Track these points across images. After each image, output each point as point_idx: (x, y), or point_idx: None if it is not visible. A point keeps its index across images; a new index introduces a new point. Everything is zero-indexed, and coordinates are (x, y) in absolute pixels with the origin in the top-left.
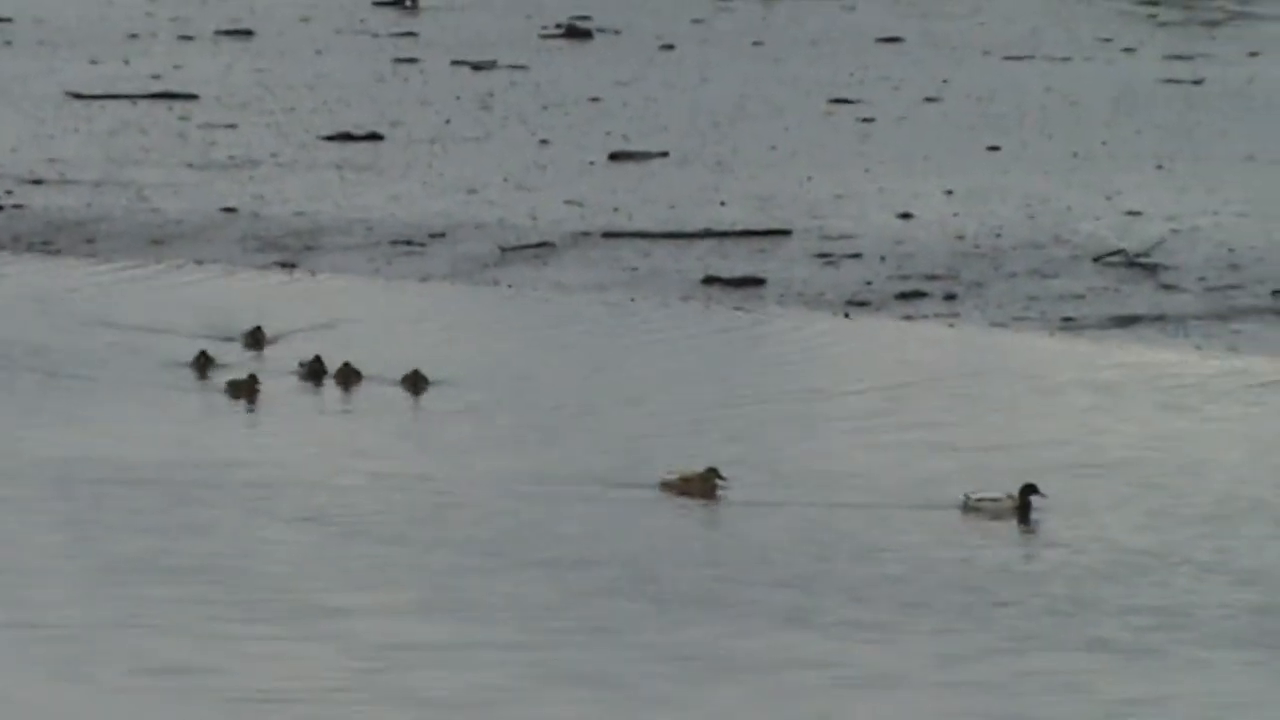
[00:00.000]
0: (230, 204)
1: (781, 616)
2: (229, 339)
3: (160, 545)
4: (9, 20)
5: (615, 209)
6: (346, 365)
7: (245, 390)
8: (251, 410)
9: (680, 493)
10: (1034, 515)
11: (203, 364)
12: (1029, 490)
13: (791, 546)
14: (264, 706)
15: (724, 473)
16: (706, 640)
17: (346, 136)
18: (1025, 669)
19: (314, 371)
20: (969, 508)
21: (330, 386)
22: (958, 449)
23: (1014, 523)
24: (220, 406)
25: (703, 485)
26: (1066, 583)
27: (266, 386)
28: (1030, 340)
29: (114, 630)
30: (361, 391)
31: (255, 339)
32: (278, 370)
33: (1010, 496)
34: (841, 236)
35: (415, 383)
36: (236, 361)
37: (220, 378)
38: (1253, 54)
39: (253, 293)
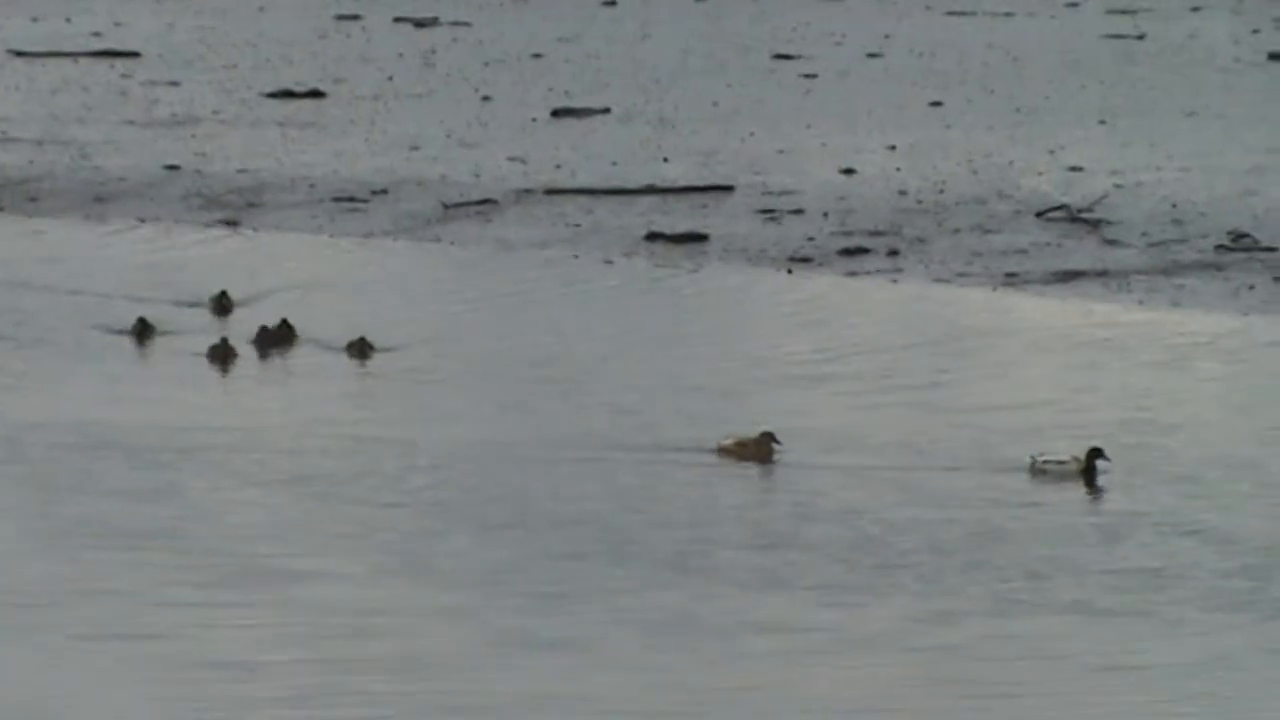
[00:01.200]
0: (173, 162)
1: (755, 579)
2: (190, 303)
3: (115, 508)
4: None
5: (558, 166)
6: (286, 325)
7: (222, 355)
8: (219, 374)
9: (738, 458)
10: (1099, 479)
11: (141, 331)
12: (1095, 454)
13: (765, 508)
14: (219, 672)
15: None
16: (676, 603)
17: (288, 94)
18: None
19: (278, 337)
20: (1036, 470)
21: (280, 352)
22: (933, 409)
23: (1080, 485)
24: (168, 370)
25: (759, 449)
26: (1044, 544)
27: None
28: (974, 295)
29: (67, 595)
30: (308, 355)
31: (222, 305)
32: (239, 335)
33: (1076, 459)
34: (784, 192)
35: (362, 349)
36: (192, 327)
37: (159, 343)
38: (1195, 9)
39: (199, 253)
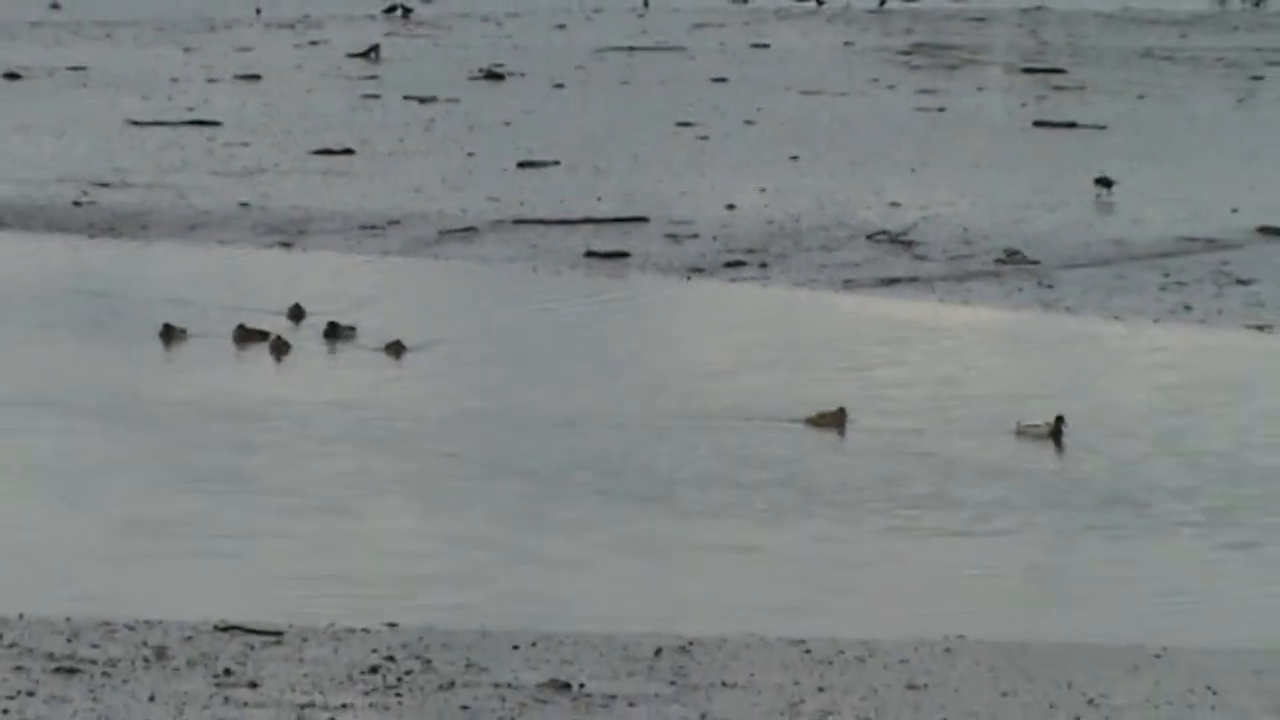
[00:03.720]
0: (245, 200)
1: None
2: (273, 312)
3: (223, 460)
4: (85, 68)
5: (521, 203)
6: (343, 326)
7: (280, 349)
8: (280, 363)
9: (820, 426)
10: (1064, 440)
11: (168, 334)
12: (1060, 420)
13: (715, 457)
14: (290, 583)
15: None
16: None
17: (328, 151)
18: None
19: (341, 333)
20: (1020, 432)
21: (345, 345)
22: (795, 370)
23: (1050, 443)
24: (262, 361)
25: (837, 419)
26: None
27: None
28: (821, 296)
29: (189, 520)
30: (355, 348)
31: (296, 313)
32: (305, 336)
33: (1047, 424)
34: (684, 222)
35: (397, 349)
36: (272, 328)
37: (187, 343)
38: (980, 89)
39: (264, 266)
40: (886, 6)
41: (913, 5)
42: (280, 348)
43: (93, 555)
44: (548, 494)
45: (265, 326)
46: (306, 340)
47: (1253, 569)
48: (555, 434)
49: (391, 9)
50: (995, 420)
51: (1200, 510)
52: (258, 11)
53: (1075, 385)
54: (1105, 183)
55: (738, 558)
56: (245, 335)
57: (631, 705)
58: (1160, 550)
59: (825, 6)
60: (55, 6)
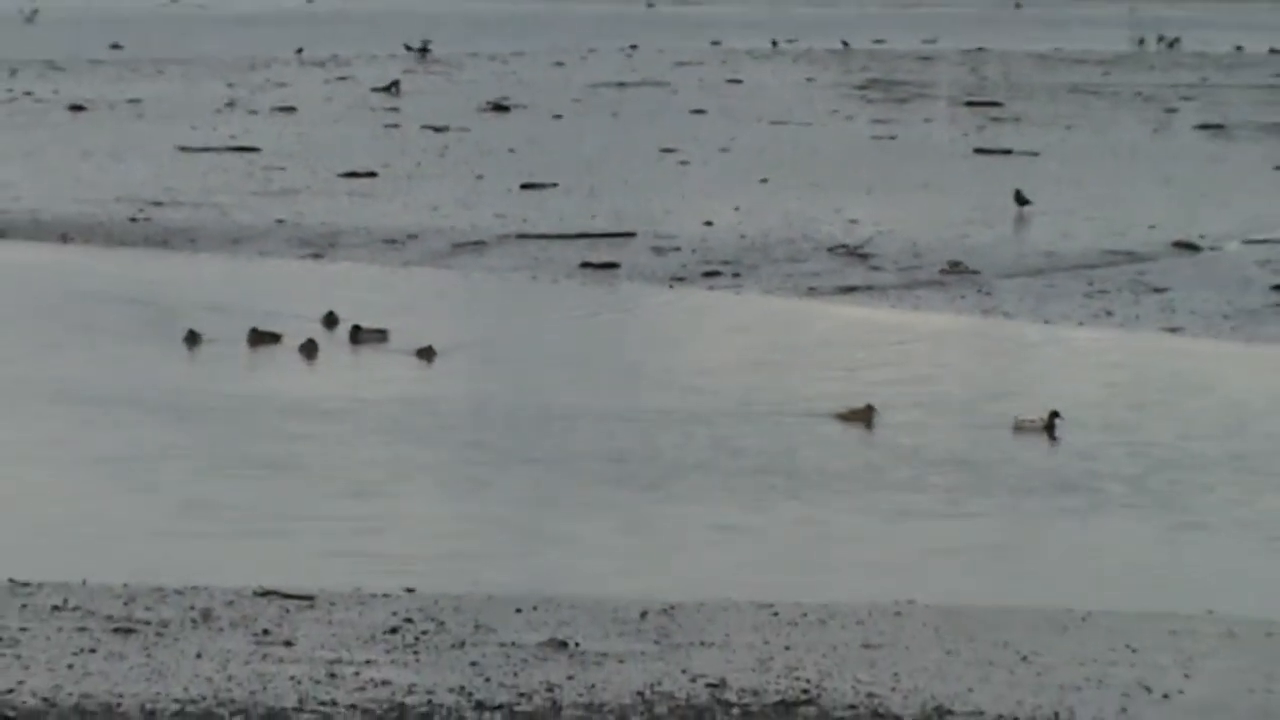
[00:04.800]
0: (281, 217)
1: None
2: (308, 318)
3: (271, 447)
4: (141, 101)
5: (524, 220)
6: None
7: (310, 351)
8: (314, 363)
9: (849, 422)
10: (1057, 433)
11: (192, 338)
12: (1054, 414)
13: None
14: (326, 558)
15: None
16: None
17: (354, 174)
18: None
19: (371, 335)
20: (1018, 426)
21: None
22: (769, 368)
23: (1044, 435)
24: (301, 363)
25: (866, 415)
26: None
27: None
28: (788, 302)
29: (241, 500)
30: (385, 347)
31: (330, 320)
32: (338, 340)
33: (1042, 419)
34: (668, 237)
35: (429, 353)
36: (304, 331)
37: (210, 348)
38: (926, 120)
39: (298, 273)
40: (840, 47)
41: (870, 46)
42: (310, 350)
43: (148, 530)
44: (555, 479)
45: (300, 330)
46: (338, 343)
47: (1171, 542)
48: (561, 426)
49: (410, 48)
50: (953, 413)
51: (1135, 492)
52: (299, 51)
53: (1017, 381)
54: (1022, 199)
55: (719, 534)
56: (257, 338)
57: (621, 662)
58: (1093, 526)
59: (793, 45)
60: (116, 46)
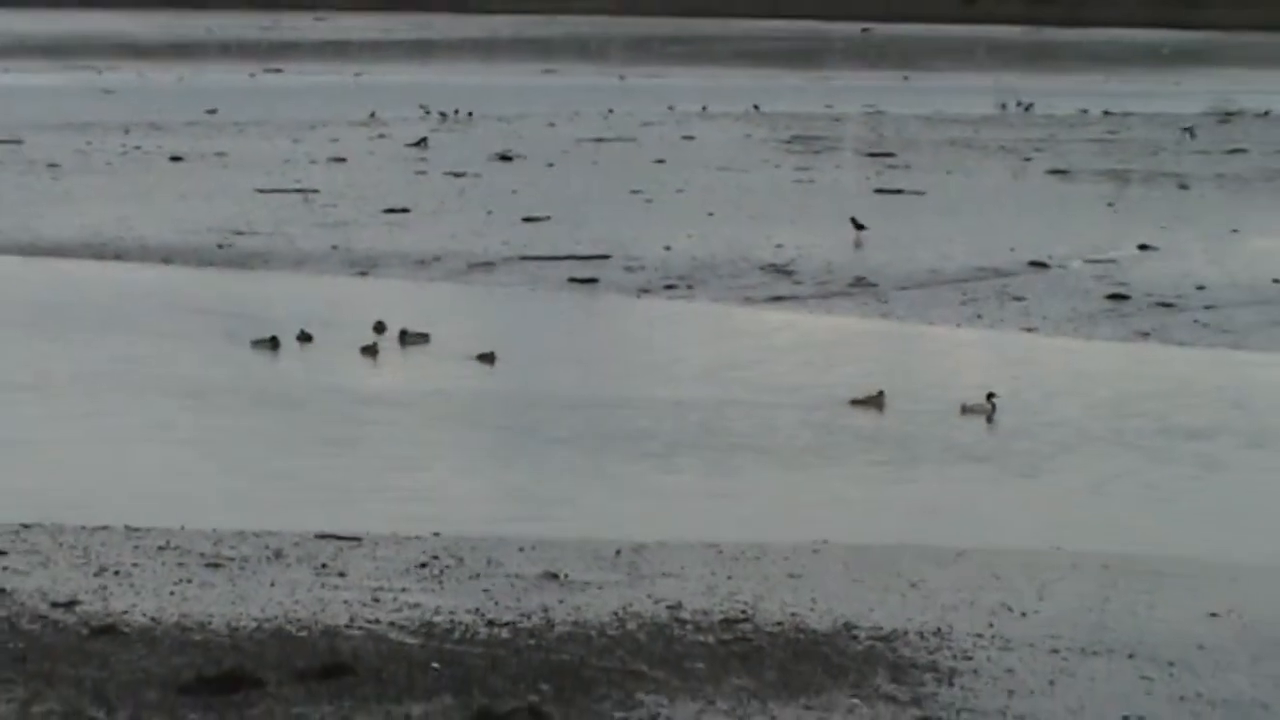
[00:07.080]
0: (334, 244)
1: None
2: (361, 324)
3: (328, 431)
4: (226, 154)
5: (525, 245)
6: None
7: (372, 352)
8: (374, 362)
9: (864, 406)
10: (995, 415)
11: (272, 343)
12: (990, 396)
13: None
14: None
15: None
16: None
17: (391, 210)
18: None
19: (415, 338)
20: (964, 410)
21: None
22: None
23: (984, 418)
24: (360, 362)
25: (877, 401)
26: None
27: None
28: (728, 309)
29: (292, 474)
30: (431, 351)
31: (379, 326)
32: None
33: (986, 403)
34: (636, 258)
35: (491, 358)
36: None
37: (330, 342)
38: (838, 166)
39: (349, 288)
40: (769, 110)
41: (790, 109)
42: (371, 351)
43: (234, 492)
44: (561, 452)
45: (355, 334)
46: (389, 345)
47: (1024, 492)
48: (566, 415)
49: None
50: (864, 393)
51: (989, 451)
52: (372, 115)
53: (902, 368)
54: (858, 225)
55: (686, 492)
56: (406, 339)
57: (600, 589)
58: (954, 476)
59: (721, 110)
60: (212, 111)
